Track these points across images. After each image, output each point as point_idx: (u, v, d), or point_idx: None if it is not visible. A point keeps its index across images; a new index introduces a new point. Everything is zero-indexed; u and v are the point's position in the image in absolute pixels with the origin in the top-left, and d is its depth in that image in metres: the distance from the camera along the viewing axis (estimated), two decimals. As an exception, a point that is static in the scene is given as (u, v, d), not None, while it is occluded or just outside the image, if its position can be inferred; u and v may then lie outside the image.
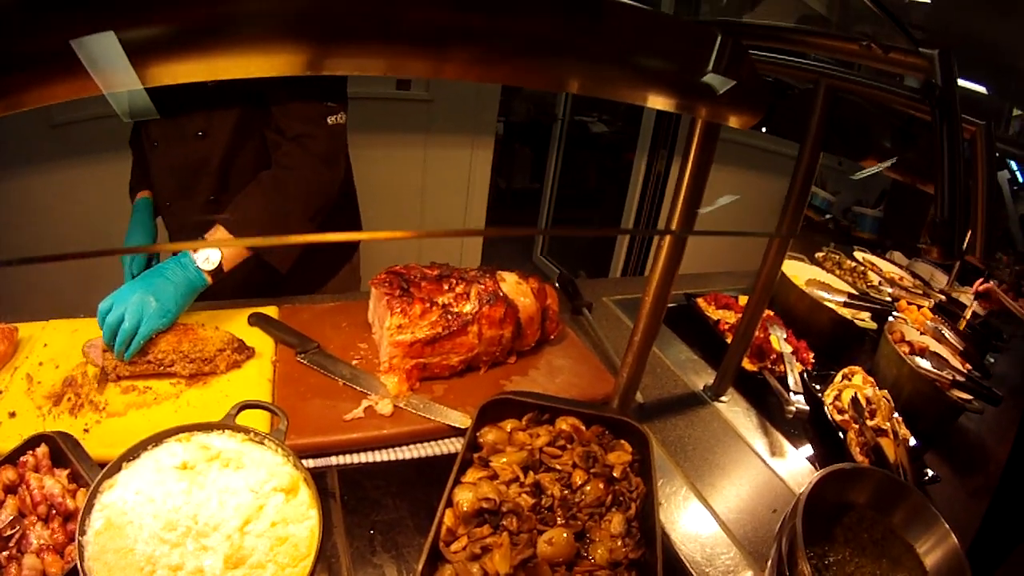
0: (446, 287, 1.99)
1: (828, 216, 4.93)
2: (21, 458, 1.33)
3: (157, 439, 1.31)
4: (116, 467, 1.24)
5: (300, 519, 1.21)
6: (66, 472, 1.34)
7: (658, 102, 1.07)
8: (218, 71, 0.76)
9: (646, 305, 1.65)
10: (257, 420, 1.59)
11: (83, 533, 1.12)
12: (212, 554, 1.13)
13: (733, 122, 1.21)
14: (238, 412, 1.41)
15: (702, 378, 2.29)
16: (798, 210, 1.84)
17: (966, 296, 3.18)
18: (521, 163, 8.44)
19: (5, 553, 1.19)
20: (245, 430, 1.37)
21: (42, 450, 1.35)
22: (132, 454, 1.28)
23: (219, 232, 2.01)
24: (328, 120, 2.12)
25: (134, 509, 1.16)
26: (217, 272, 1.97)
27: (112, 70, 0.70)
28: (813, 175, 1.79)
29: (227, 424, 1.38)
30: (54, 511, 1.26)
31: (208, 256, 1.94)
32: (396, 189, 5.13)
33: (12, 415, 1.65)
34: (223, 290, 2.04)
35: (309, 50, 0.78)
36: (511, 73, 0.94)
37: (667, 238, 1.55)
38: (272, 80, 2.01)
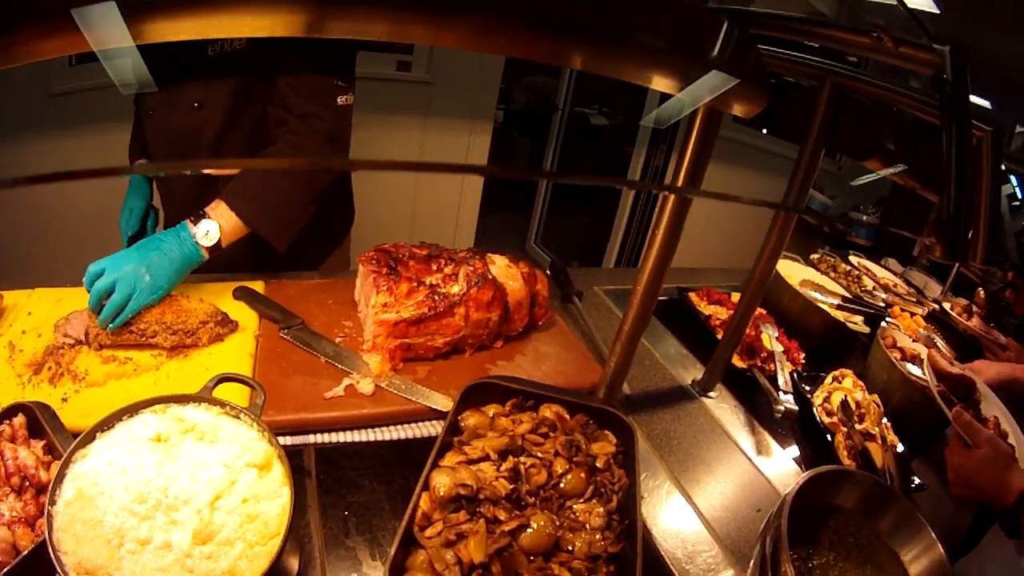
0: (435, 267, 1.97)
1: (825, 220, 4.92)
2: (-2, 428, 1.31)
3: (132, 410, 1.28)
4: (90, 436, 1.21)
5: (272, 496, 1.19)
6: (42, 443, 1.32)
7: (661, 84, 1.06)
8: (210, 29, 0.74)
9: (637, 293, 1.62)
10: (237, 395, 1.56)
11: (53, 503, 1.09)
12: (181, 529, 1.10)
13: (736, 110, 1.19)
14: (215, 385, 1.39)
15: (691, 373, 2.27)
16: (805, 184, 1.80)
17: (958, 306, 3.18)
18: (519, 152, 8.42)
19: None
20: (221, 403, 1.34)
21: (19, 420, 1.34)
22: (107, 424, 1.25)
23: (220, 207, 1.98)
24: (338, 100, 2.09)
25: (105, 480, 1.14)
26: (215, 249, 1.95)
27: (103, 25, 0.67)
28: (818, 162, 1.76)
29: (203, 397, 1.35)
30: (27, 483, 1.24)
31: (208, 231, 1.93)
32: (390, 173, 5.12)
33: (-9, 383, 1.63)
34: (212, 264, 2.02)
35: (306, 9, 0.75)
36: (513, 45, 0.92)
37: (664, 220, 1.52)
38: (279, 51, 1.99)
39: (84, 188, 3.81)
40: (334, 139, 2.15)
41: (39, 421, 1.34)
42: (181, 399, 1.33)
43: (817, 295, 2.71)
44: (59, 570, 1.00)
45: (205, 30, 0.73)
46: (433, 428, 1.73)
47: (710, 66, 1.05)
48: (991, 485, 1.60)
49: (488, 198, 5.95)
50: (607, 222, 6.26)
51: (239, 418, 1.32)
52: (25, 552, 1.11)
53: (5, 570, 1.07)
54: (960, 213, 1.14)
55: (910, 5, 1.21)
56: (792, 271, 2.99)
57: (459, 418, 1.53)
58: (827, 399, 2.10)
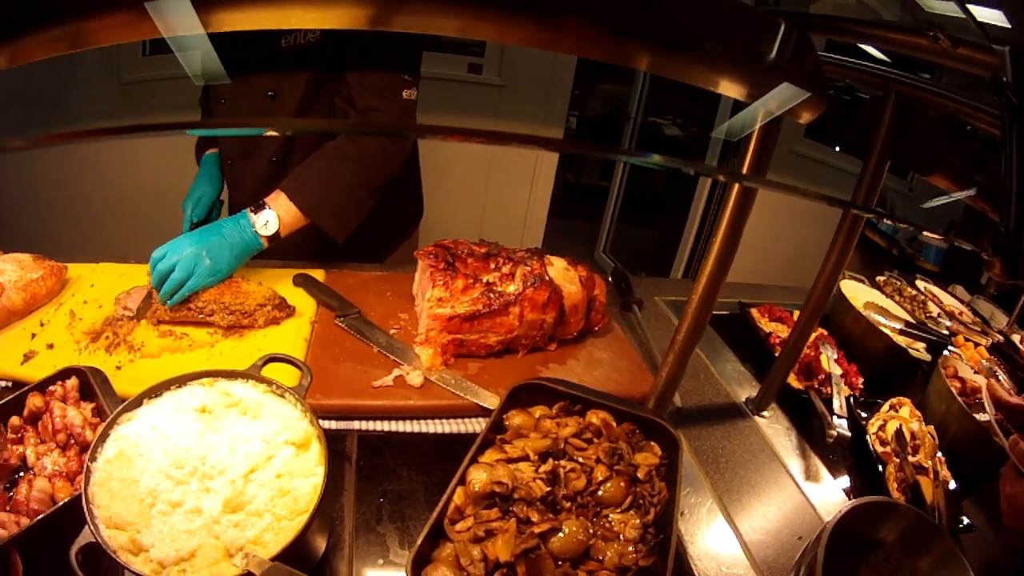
0: (492, 265, 1.97)
1: (894, 243, 4.84)
2: (50, 387, 1.37)
3: (181, 381, 1.33)
4: (137, 402, 1.26)
5: (306, 475, 1.21)
6: (91, 406, 1.38)
7: (720, 87, 1.04)
8: (283, 20, 0.74)
9: (693, 302, 1.59)
10: (288, 377, 1.57)
11: (94, 459, 1.14)
12: (213, 496, 1.13)
13: (796, 114, 1.16)
14: (264, 364, 1.42)
15: (745, 390, 2.23)
16: (869, 199, 1.75)
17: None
18: (591, 160, 8.44)
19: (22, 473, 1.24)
20: (268, 381, 1.37)
21: (72, 382, 1.39)
22: (155, 392, 1.29)
23: (280, 197, 2.02)
24: (403, 94, 2.10)
25: (147, 443, 1.18)
26: (274, 238, 2.00)
27: (173, 11, 0.68)
28: (882, 176, 1.71)
29: (251, 374, 1.38)
30: (72, 440, 1.30)
31: (267, 221, 1.98)
32: (461, 172, 5.15)
33: (50, 347, 1.70)
34: (276, 251, 2.07)
35: (374, 3, 0.75)
36: (578, 44, 0.91)
37: (720, 235, 1.49)
38: (349, 44, 2.01)
39: (154, 170, 3.90)
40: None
41: (91, 385, 1.39)
42: (230, 374, 1.37)
43: (880, 318, 2.65)
44: (90, 522, 1.03)
45: (269, 20, 0.73)
46: (478, 425, 1.73)
47: (766, 69, 1.03)
48: None
49: (557, 205, 5.94)
50: (676, 234, 6.19)
51: (284, 397, 1.35)
52: (61, 503, 1.15)
53: (39, 518, 1.12)
54: (1022, 227, 1.09)
55: (980, 19, 1.17)
56: (857, 293, 2.93)
57: (504, 417, 1.52)
58: (882, 427, 2.05)
